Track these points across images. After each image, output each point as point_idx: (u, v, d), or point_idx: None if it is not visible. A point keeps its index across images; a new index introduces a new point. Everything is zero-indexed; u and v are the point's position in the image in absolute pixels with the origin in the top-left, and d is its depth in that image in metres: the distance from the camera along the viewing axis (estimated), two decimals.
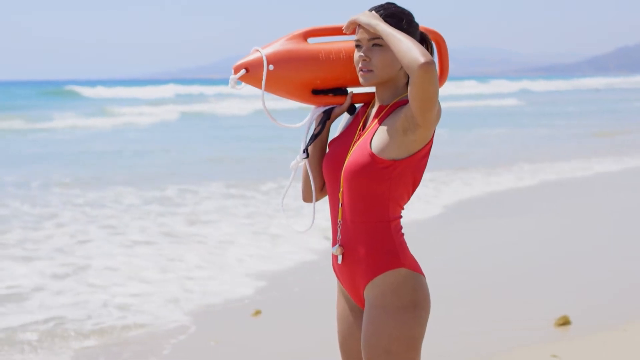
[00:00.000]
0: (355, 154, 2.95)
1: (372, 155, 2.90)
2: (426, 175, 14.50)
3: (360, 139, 2.98)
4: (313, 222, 3.19)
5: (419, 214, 10.96)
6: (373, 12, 2.94)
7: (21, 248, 9.23)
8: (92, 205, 12.11)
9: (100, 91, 63.32)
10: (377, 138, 2.92)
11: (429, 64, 2.74)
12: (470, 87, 79.13)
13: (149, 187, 13.88)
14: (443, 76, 3.20)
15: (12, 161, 18.61)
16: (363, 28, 2.94)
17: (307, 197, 3.21)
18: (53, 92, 62.56)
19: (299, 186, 3.28)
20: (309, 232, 8.36)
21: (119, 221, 10.82)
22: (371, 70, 2.95)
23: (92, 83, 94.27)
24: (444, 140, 22.72)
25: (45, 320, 6.80)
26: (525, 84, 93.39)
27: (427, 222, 10.60)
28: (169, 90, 65.52)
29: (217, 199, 12.64)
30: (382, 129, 2.93)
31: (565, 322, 6.32)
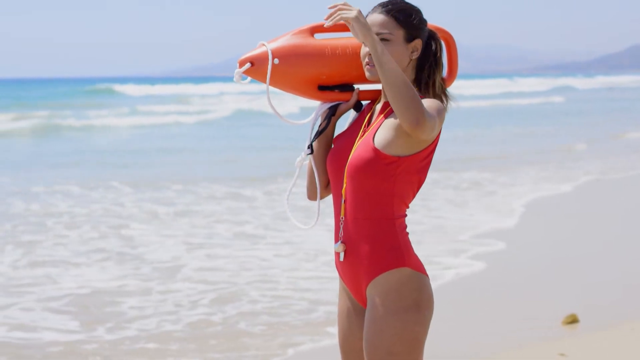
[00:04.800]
0: (359, 150, 2.84)
1: (376, 151, 2.79)
2: (468, 176, 14.40)
3: (365, 135, 2.87)
4: (318, 219, 3.09)
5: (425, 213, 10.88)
6: (365, 19, 2.73)
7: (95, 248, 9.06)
8: (155, 204, 11.87)
9: (140, 89, 61.74)
10: (380, 133, 2.81)
11: (421, 126, 2.65)
12: (505, 85, 77.69)
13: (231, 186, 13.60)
14: (452, 75, 3.08)
15: (75, 160, 18.13)
16: (370, 23, 2.84)
17: (311, 195, 3.08)
18: (89, 90, 61.78)
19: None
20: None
21: (189, 221, 10.63)
22: None
23: (120, 81, 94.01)
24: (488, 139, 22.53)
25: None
26: (561, 81, 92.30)
27: (434, 224, 10.48)
28: (214, 87, 63.97)
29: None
30: (387, 125, 2.81)
31: (573, 320, 6.20)
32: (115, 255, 8.72)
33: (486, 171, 15.33)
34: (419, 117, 2.64)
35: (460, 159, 17.37)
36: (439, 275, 7.62)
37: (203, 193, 12.93)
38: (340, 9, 2.74)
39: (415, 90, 2.68)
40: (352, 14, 2.71)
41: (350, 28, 2.77)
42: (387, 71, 2.67)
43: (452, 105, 2.95)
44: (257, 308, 6.84)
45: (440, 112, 2.76)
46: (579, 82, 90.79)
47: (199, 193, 12.93)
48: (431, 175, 14.22)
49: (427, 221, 10.29)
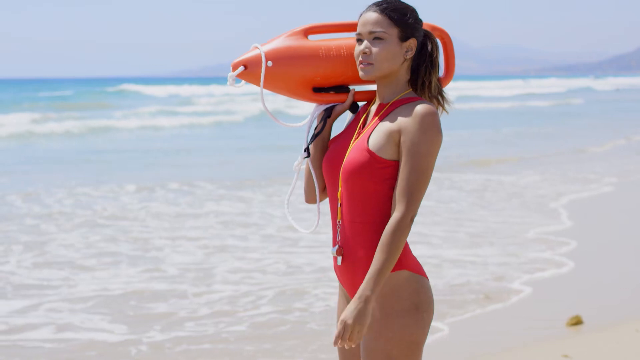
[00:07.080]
0: (353, 152, 2.77)
1: (370, 153, 2.72)
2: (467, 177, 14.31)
3: (359, 138, 2.80)
4: (318, 222, 3.04)
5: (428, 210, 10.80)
6: (355, 314, 2.66)
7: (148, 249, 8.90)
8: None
9: (162, 90, 60.80)
10: (375, 137, 2.74)
11: (406, 233, 2.70)
12: (520, 87, 76.91)
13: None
14: (449, 75, 3.01)
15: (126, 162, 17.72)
16: (364, 22, 2.79)
17: (309, 198, 3.02)
18: (113, 91, 61.41)
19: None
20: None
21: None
22: (371, 64, 2.76)
23: (130, 81, 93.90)
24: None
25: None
26: (574, 82, 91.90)
27: (436, 224, 10.42)
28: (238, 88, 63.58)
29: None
30: (381, 129, 2.75)
31: (577, 322, 6.13)
32: (128, 258, 8.58)
33: (502, 173, 15.25)
34: (397, 240, 2.71)
35: (469, 161, 17.26)
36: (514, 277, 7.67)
37: (220, 195, 12.82)
38: (349, 339, 2.69)
39: (399, 235, 2.69)
40: (358, 336, 2.68)
41: None
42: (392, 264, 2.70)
43: (451, 107, 2.89)
44: (332, 306, 6.71)
45: (432, 155, 2.72)
46: (593, 84, 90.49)
47: (217, 195, 12.82)
48: (444, 175, 14.18)
49: (476, 225, 10.17)
